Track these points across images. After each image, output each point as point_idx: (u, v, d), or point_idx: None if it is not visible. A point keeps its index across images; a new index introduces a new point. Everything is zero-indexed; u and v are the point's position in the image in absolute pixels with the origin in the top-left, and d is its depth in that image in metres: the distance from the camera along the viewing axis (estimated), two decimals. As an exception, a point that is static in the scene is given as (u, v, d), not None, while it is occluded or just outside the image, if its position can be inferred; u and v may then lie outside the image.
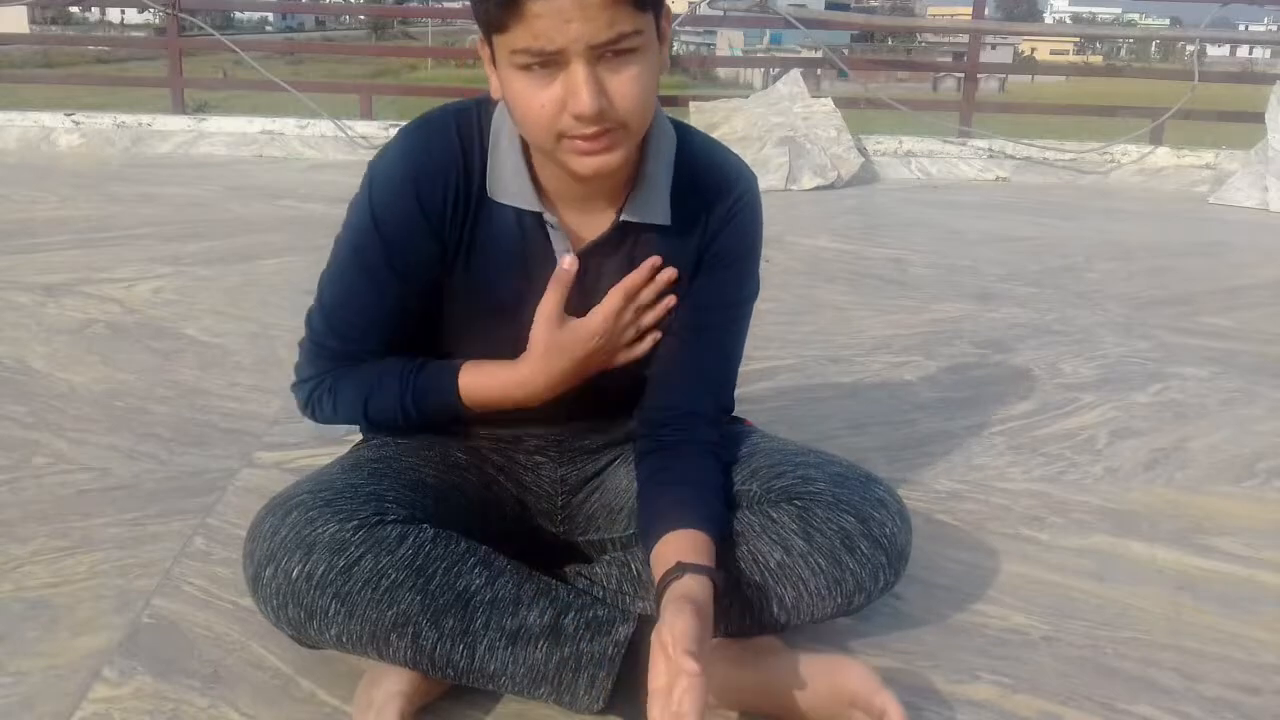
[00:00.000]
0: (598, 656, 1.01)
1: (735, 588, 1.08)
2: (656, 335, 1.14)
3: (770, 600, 1.08)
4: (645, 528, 1.10)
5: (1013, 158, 5.17)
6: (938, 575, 1.37)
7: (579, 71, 0.94)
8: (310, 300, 1.19)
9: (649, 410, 1.19)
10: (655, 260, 1.11)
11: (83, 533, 1.41)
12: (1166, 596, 1.35)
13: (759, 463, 1.18)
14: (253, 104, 6.94)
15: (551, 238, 1.11)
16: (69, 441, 1.71)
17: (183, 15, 5.29)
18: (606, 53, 0.94)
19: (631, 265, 1.13)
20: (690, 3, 5.96)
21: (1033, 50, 39.44)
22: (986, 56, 11.75)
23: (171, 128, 5.10)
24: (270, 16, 44.63)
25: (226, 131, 5.10)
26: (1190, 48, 5.79)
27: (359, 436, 1.32)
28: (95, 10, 32.69)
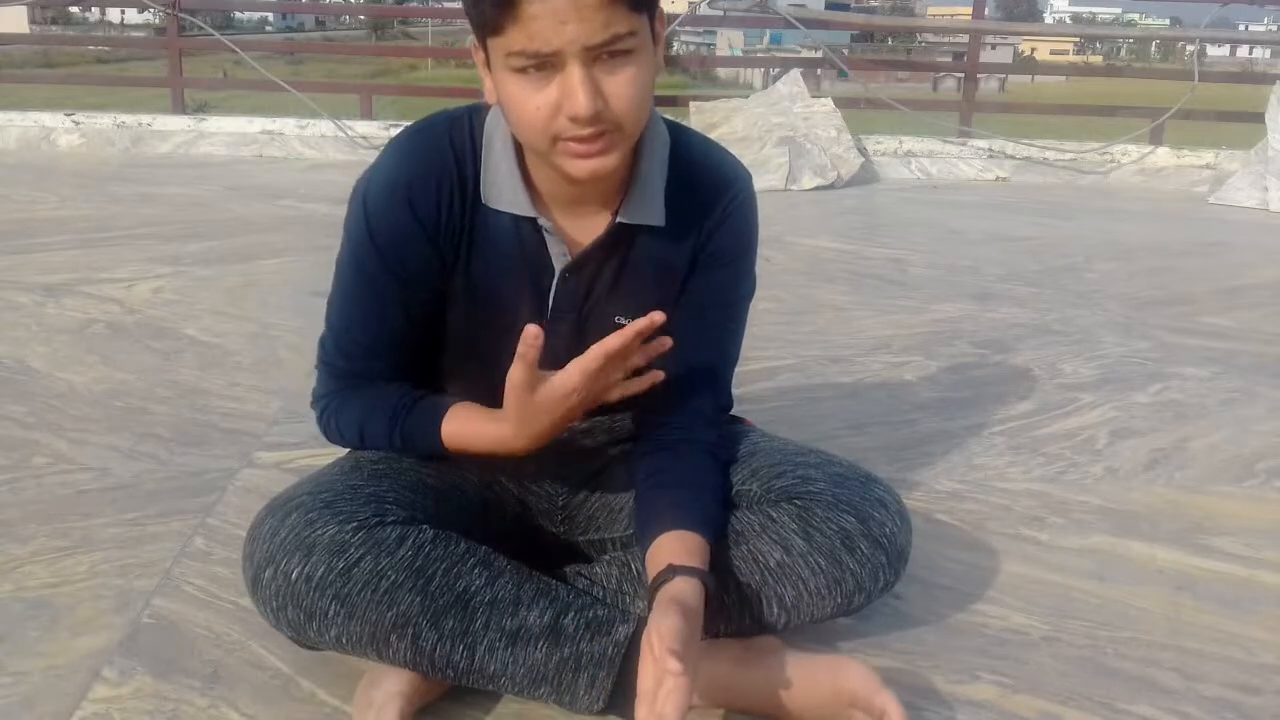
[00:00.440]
0: (597, 656, 1.01)
1: (735, 587, 1.09)
2: (656, 376, 1.08)
3: (770, 599, 1.08)
4: (640, 530, 1.10)
5: (1013, 158, 5.17)
6: (938, 575, 1.37)
7: (575, 73, 0.93)
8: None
9: (647, 409, 1.19)
10: (644, 324, 1.00)
11: (83, 533, 1.41)
12: (1166, 596, 1.35)
13: (759, 463, 1.18)
14: (253, 104, 6.96)
15: (547, 242, 1.11)
16: (69, 441, 1.71)
17: (183, 15, 5.29)
18: (602, 54, 0.94)
19: (626, 268, 1.13)
20: (690, 3, 5.97)
21: (1033, 50, 39.44)
22: (986, 56, 11.75)
23: (171, 128, 5.10)
24: (270, 16, 44.62)
25: (226, 131, 5.10)
26: (1190, 48, 5.79)
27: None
28: (95, 10, 32.68)
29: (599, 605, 1.05)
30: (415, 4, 16.09)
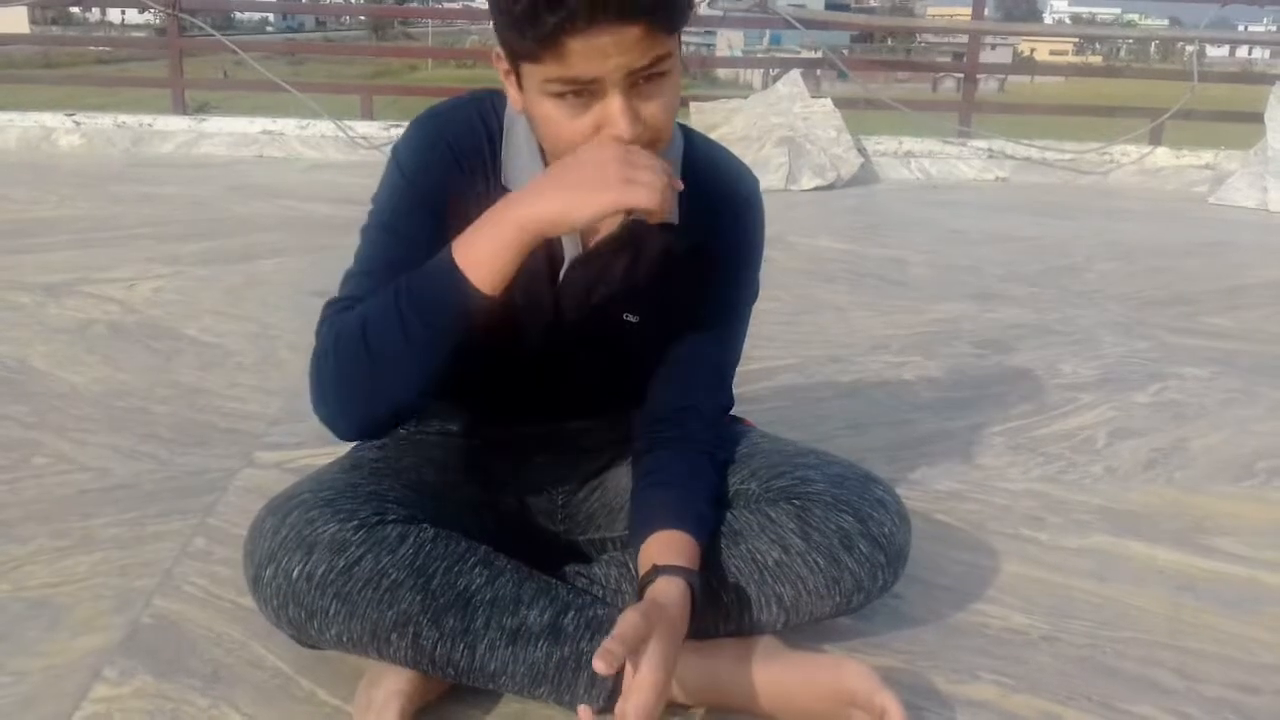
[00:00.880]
0: (597, 656, 1.01)
1: (734, 586, 1.09)
2: None
3: (769, 599, 1.08)
4: (633, 529, 1.10)
5: (1012, 158, 5.17)
6: (938, 575, 1.37)
7: (615, 101, 0.93)
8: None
9: (647, 407, 1.19)
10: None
11: (83, 533, 1.41)
12: (1166, 596, 1.35)
13: (758, 463, 1.18)
14: (253, 104, 6.95)
15: None
16: (69, 441, 1.71)
17: (183, 15, 5.29)
18: (640, 79, 0.93)
19: (636, 264, 1.13)
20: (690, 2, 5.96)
21: (1032, 51, 39.45)
22: (986, 57, 11.75)
23: (172, 128, 5.10)
24: (271, 17, 44.64)
25: (227, 132, 5.10)
26: (1189, 48, 5.79)
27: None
28: (95, 10, 32.71)
29: (599, 605, 1.06)
30: (415, 4, 16.09)
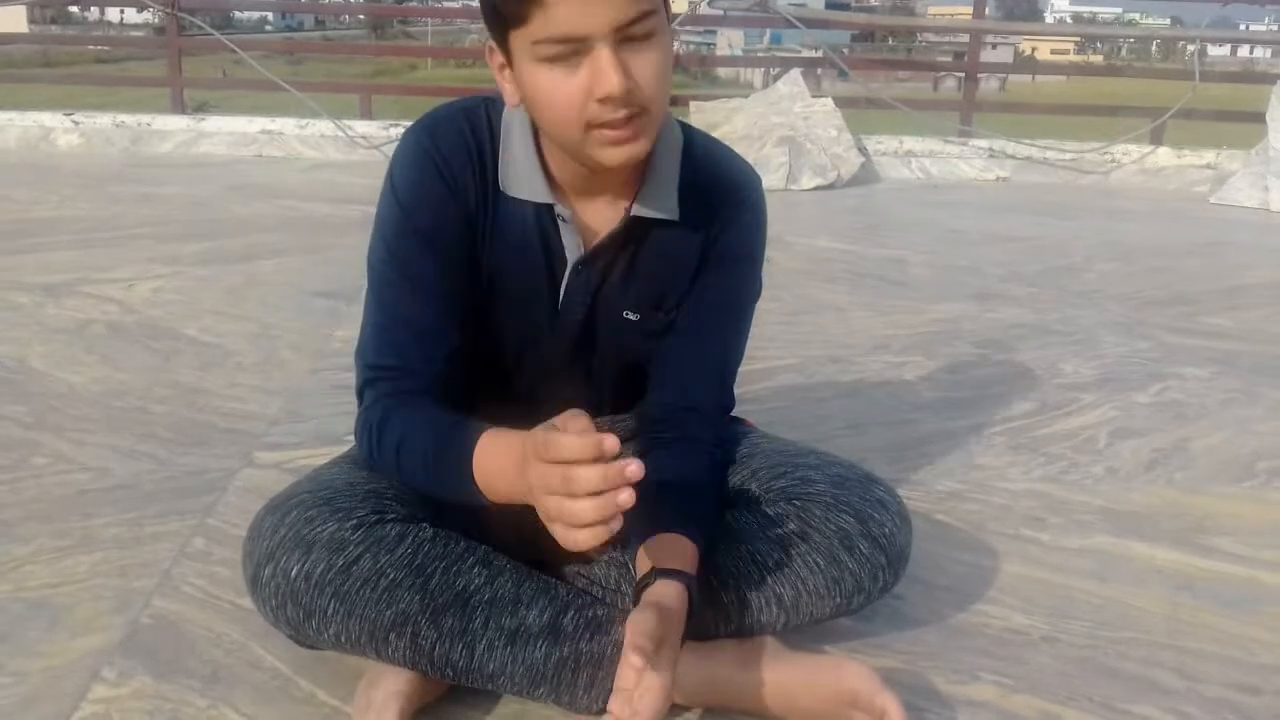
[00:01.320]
0: (596, 656, 1.01)
1: (734, 586, 1.09)
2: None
3: (769, 599, 1.08)
4: (632, 531, 1.10)
5: (1013, 158, 5.17)
6: (938, 575, 1.37)
7: (604, 54, 0.93)
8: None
9: (648, 407, 1.19)
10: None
11: (83, 533, 1.41)
12: (1167, 597, 1.35)
13: (759, 463, 1.18)
14: (252, 104, 6.94)
15: (562, 232, 1.10)
16: (69, 441, 1.71)
17: (182, 15, 5.29)
18: (627, 36, 0.94)
19: (637, 262, 1.13)
20: (690, 3, 5.96)
21: (1033, 50, 39.41)
22: (987, 56, 11.76)
23: (171, 128, 5.10)
24: (270, 16, 44.63)
25: (226, 131, 5.10)
26: (1191, 47, 5.79)
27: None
28: (95, 10, 32.70)
29: (598, 605, 1.05)
30: (415, 4, 16.08)
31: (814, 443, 1.32)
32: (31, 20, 26.24)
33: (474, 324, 1.13)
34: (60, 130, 5.08)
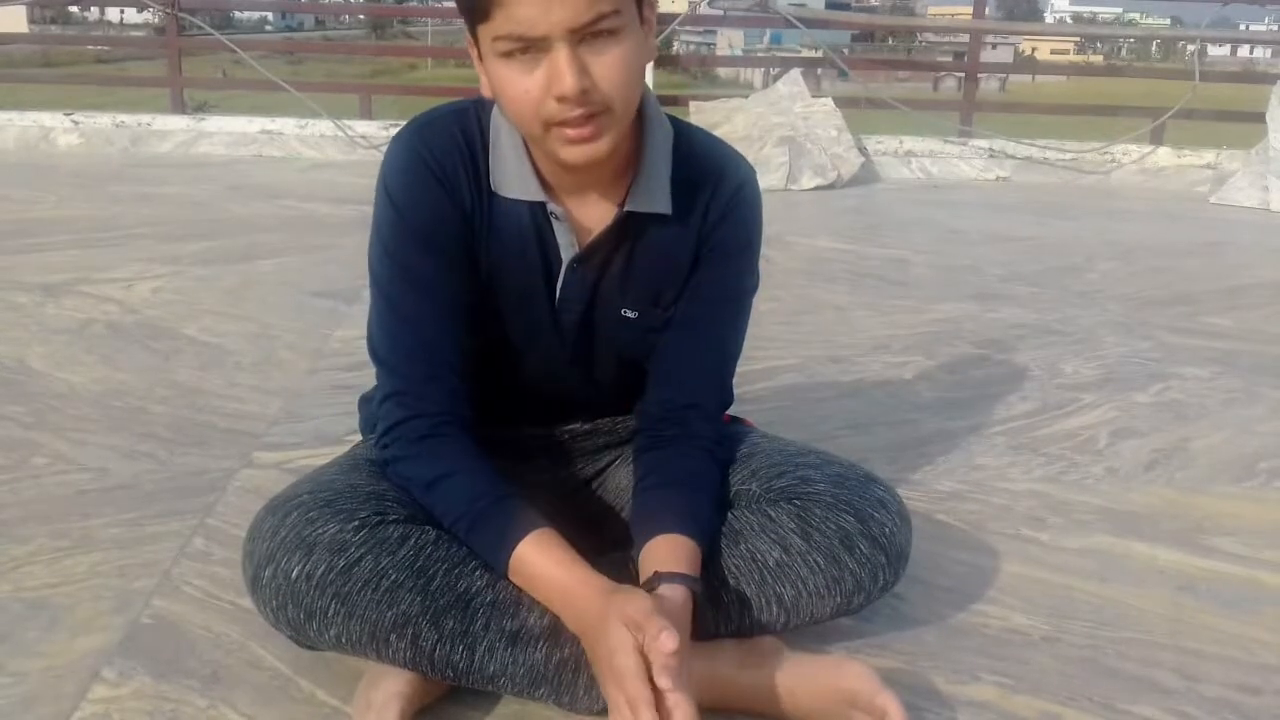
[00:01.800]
0: (597, 657, 1.01)
1: (734, 586, 1.08)
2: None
3: (769, 599, 1.08)
4: (635, 530, 1.10)
5: (1013, 157, 5.16)
6: (938, 575, 1.37)
7: (561, 54, 0.94)
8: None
9: (648, 404, 1.19)
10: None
11: (82, 533, 1.41)
12: (1167, 596, 1.34)
13: (759, 463, 1.18)
14: (252, 104, 6.94)
15: (556, 231, 1.10)
16: (69, 441, 1.71)
17: (182, 15, 5.29)
18: (588, 35, 0.94)
19: (633, 259, 1.13)
20: (690, 2, 5.96)
21: (1033, 50, 39.40)
22: (987, 56, 11.75)
23: (171, 127, 5.10)
24: (270, 16, 44.63)
25: (226, 131, 5.10)
26: (1191, 47, 5.79)
27: (359, 436, 1.32)
28: (94, 10, 32.69)
29: (599, 606, 1.05)
30: (415, 4, 16.09)
31: (814, 443, 1.31)
32: (31, 20, 26.25)
33: (475, 322, 1.13)
34: (60, 130, 5.07)
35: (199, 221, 3.48)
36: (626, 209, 1.10)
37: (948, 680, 1.15)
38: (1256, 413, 2.03)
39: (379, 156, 1.22)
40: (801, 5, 6.38)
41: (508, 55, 0.96)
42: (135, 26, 35.31)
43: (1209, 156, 5.13)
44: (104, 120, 5.09)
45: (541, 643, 1.01)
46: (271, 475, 1.59)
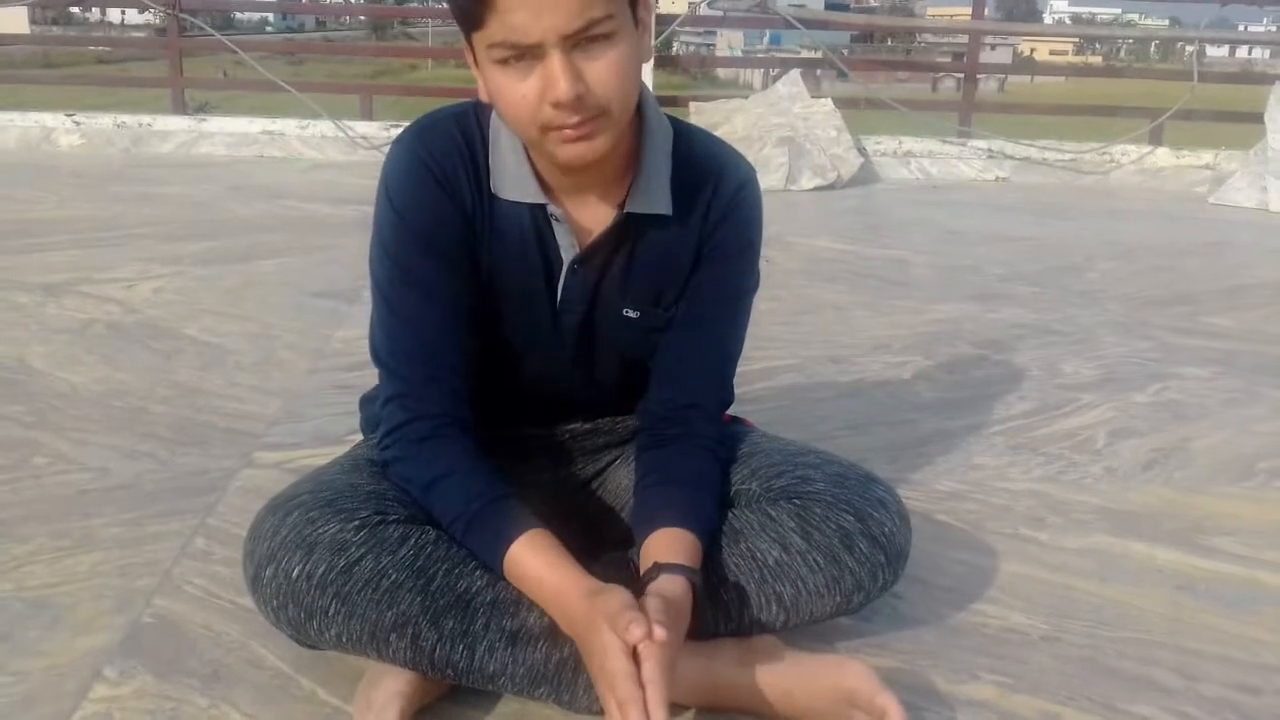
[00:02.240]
0: (597, 657, 1.01)
1: (734, 585, 1.09)
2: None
3: (769, 598, 1.08)
4: (636, 526, 1.10)
5: (1012, 158, 5.17)
6: (938, 575, 1.37)
7: (555, 60, 0.94)
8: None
9: (649, 404, 1.19)
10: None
11: (83, 532, 1.41)
12: (1166, 596, 1.35)
13: (758, 462, 1.18)
14: (253, 104, 6.95)
15: (556, 232, 1.11)
16: (69, 441, 1.71)
17: (183, 15, 5.29)
18: (581, 40, 0.94)
19: (634, 260, 1.13)
20: (690, 3, 5.96)
21: (1032, 51, 39.42)
22: (986, 57, 11.75)
23: (172, 128, 5.10)
24: (270, 17, 44.63)
25: (227, 132, 5.10)
26: (1189, 48, 5.79)
27: (359, 436, 1.32)
28: (95, 10, 32.69)
29: (599, 605, 1.05)
30: (415, 4, 16.09)
31: (814, 443, 1.32)
32: (33, 21, 26.26)
33: (476, 324, 1.13)
34: (61, 130, 5.08)
35: (200, 222, 3.48)
36: (627, 210, 1.10)
37: (947, 680, 1.15)
38: (1256, 413, 2.03)
39: (380, 157, 1.22)
40: (801, 6, 6.38)
41: (503, 62, 0.96)
42: (136, 27, 35.31)
43: (1208, 157, 5.13)
44: (105, 121, 5.09)
45: (541, 642, 1.01)
46: (272, 475, 1.59)
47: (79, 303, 2.48)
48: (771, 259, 3.10)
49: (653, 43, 1.02)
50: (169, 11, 5.24)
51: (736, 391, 1.26)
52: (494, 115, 1.09)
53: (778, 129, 4.77)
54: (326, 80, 8.65)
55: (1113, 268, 3.26)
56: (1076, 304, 2.81)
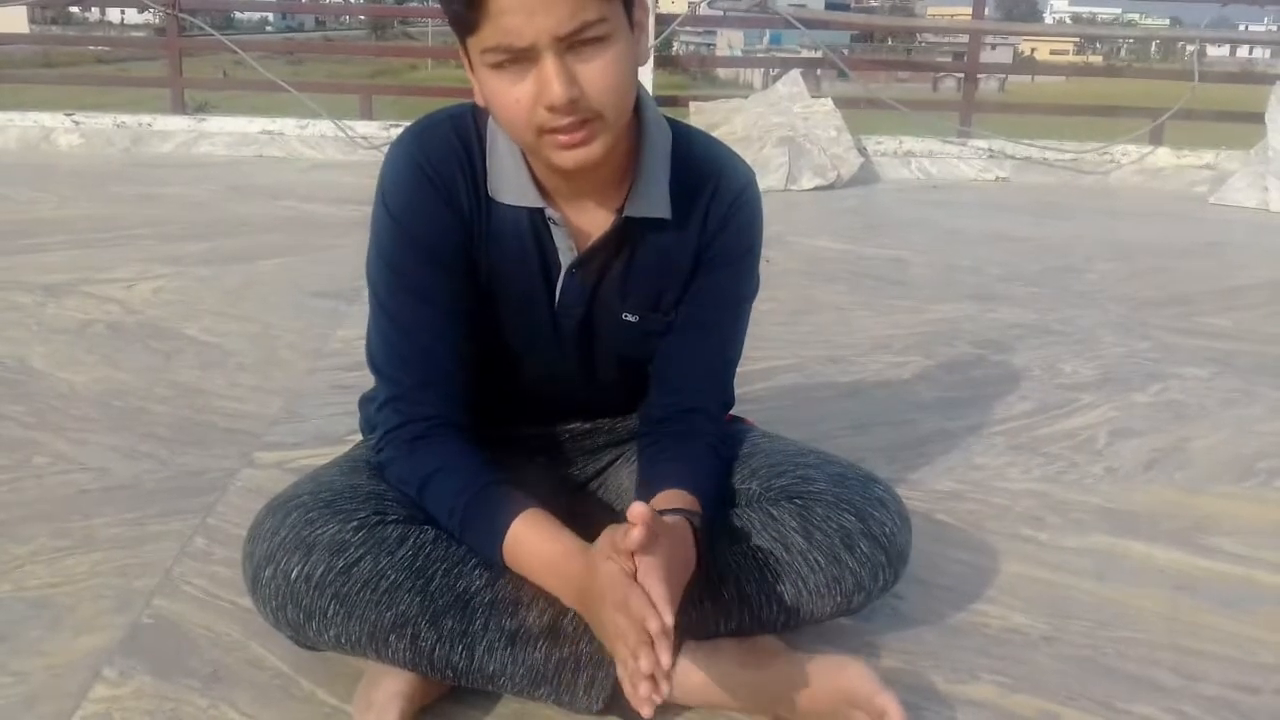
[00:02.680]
0: (596, 657, 1.01)
1: (734, 584, 1.09)
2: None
3: (769, 598, 1.08)
4: (638, 499, 1.10)
5: (1013, 158, 5.16)
6: (938, 575, 1.37)
7: (548, 64, 0.94)
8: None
9: (651, 407, 1.19)
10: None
11: (83, 533, 1.41)
12: (1166, 596, 1.35)
13: (759, 462, 1.18)
14: (253, 104, 6.94)
15: (554, 236, 1.11)
16: (69, 441, 1.71)
17: (183, 15, 5.29)
18: (575, 43, 0.94)
19: (633, 264, 1.13)
20: (690, 2, 5.96)
21: (1032, 50, 39.38)
22: (986, 56, 11.75)
23: (172, 128, 5.10)
24: (270, 16, 44.62)
25: (227, 131, 5.10)
26: (1190, 48, 5.79)
27: (359, 436, 1.32)
28: (95, 10, 32.68)
29: (599, 605, 1.05)
30: (415, 4, 16.08)
31: (814, 443, 1.32)
32: (32, 20, 26.26)
33: (475, 327, 1.13)
34: (61, 130, 5.07)
35: (200, 222, 3.48)
36: (625, 214, 1.10)
37: (947, 680, 1.15)
38: (1255, 413, 2.03)
39: (380, 157, 1.22)
40: (801, 6, 6.38)
41: (497, 66, 0.96)
42: (136, 27, 35.31)
43: (1208, 157, 5.13)
44: (105, 121, 5.09)
45: (541, 642, 1.01)
46: (272, 475, 1.59)
47: (79, 303, 2.48)
48: (771, 259, 3.10)
49: (651, 44, 1.02)
50: (169, 11, 5.24)
51: (737, 391, 1.26)
52: (491, 119, 1.09)
53: (778, 129, 4.77)
54: (326, 80, 8.65)
55: (1113, 268, 3.26)
56: (1076, 304, 2.81)
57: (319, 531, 1.01)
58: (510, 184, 1.08)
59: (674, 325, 1.17)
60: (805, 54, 6.97)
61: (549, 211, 1.09)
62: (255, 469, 1.63)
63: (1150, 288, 3.02)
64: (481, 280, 1.12)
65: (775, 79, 5.28)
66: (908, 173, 5.09)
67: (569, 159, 0.99)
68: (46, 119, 5.09)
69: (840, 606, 1.11)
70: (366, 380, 1.20)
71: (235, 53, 5.59)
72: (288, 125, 5.11)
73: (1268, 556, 1.46)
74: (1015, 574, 1.39)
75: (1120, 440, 1.87)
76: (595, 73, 0.96)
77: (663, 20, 5.17)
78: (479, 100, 1.04)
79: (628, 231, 1.11)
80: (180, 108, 5.33)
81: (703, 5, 5.72)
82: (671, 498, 1.06)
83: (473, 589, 1.02)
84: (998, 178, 5.13)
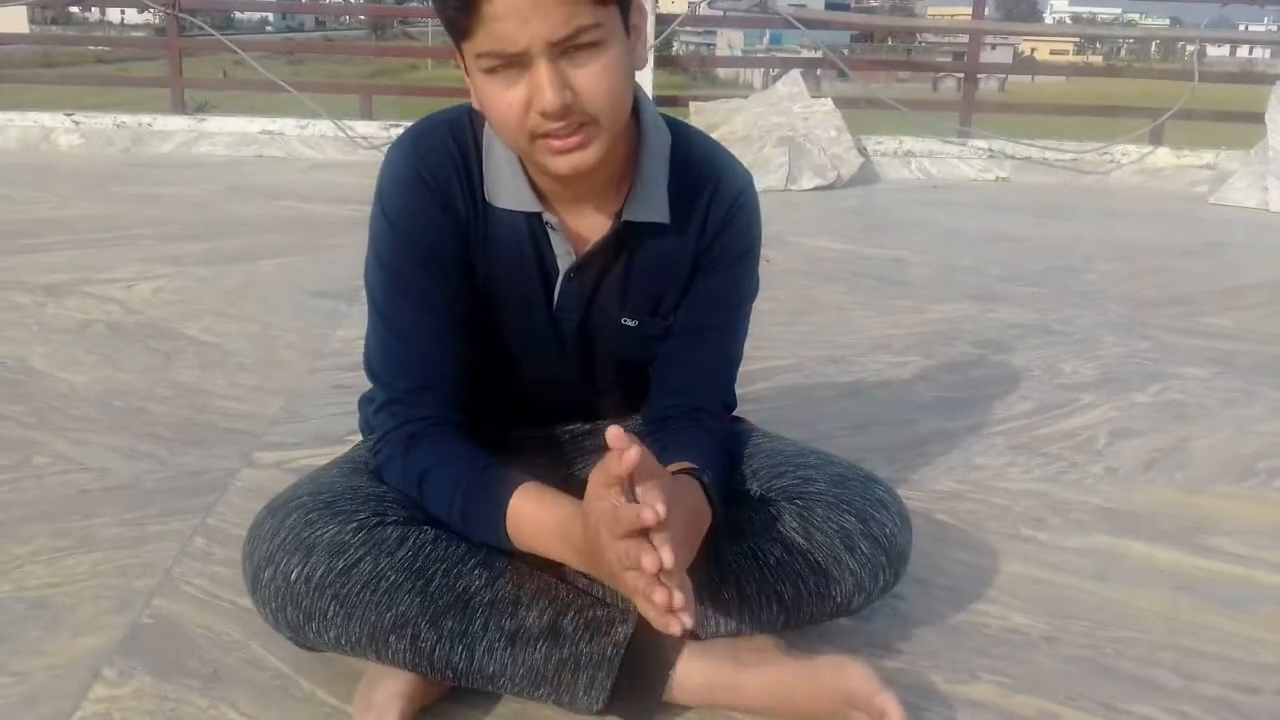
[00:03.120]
0: (596, 657, 1.01)
1: (734, 584, 1.09)
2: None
3: (769, 598, 1.08)
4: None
5: (1013, 158, 5.17)
6: (938, 575, 1.37)
7: (541, 69, 0.94)
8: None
9: (653, 409, 1.19)
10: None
11: (83, 533, 1.41)
12: (1166, 596, 1.35)
13: (759, 463, 1.18)
14: (253, 104, 6.94)
15: (552, 240, 1.10)
16: (69, 441, 1.71)
17: (183, 15, 5.29)
18: (569, 48, 0.94)
19: (632, 268, 1.13)
20: (690, 2, 5.96)
21: (1032, 50, 39.39)
22: (986, 56, 11.75)
23: (172, 128, 5.10)
24: (270, 16, 44.63)
25: (227, 131, 5.10)
26: (1190, 48, 5.79)
27: (359, 436, 1.32)
28: (95, 10, 32.69)
29: (599, 605, 1.05)
30: (415, 4, 16.07)
31: (814, 443, 1.32)
32: (32, 20, 26.26)
33: (473, 331, 1.13)
34: (61, 130, 5.08)
35: (200, 222, 3.48)
36: (624, 219, 1.10)
37: (947, 680, 1.15)
38: (1255, 413, 2.03)
39: (379, 157, 1.23)
40: (801, 6, 6.38)
41: (491, 71, 0.96)
42: (136, 27, 35.32)
43: (1208, 157, 5.13)
44: (105, 121, 5.09)
45: (541, 642, 1.01)
46: (272, 475, 1.59)
47: (79, 303, 2.48)
48: (771, 259, 3.10)
49: (649, 48, 1.01)
50: (169, 11, 5.24)
51: (737, 391, 1.26)
52: (488, 123, 1.09)
53: (778, 129, 4.77)
54: (326, 80, 8.65)
55: (1113, 268, 3.26)
56: (1076, 304, 2.81)
57: (319, 533, 1.01)
58: (507, 188, 1.08)
59: (674, 328, 1.17)
60: (805, 54, 6.97)
61: (546, 216, 1.09)
62: (255, 469, 1.63)
63: (1150, 288, 3.02)
64: (479, 284, 1.12)
65: (775, 79, 5.28)
66: (908, 173, 5.09)
67: (563, 164, 0.99)
68: (46, 119, 5.09)
69: (840, 607, 1.11)
70: (366, 381, 1.20)
71: (235, 53, 5.59)
72: (288, 125, 5.11)
73: (1268, 556, 1.46)
74: (1015, 574, 1.39)
75: (1120, 440, 1.87)
76: (590, 78, 0.95)
77: (663, 20, 5.17)
78: (474, 103, 1.04)
79: (626, 236, 1.11)
80: (180, 108, 5.33)
81: (703, 5, 5.72)
82: (679, 467, 1.05)
83: (472, 589, 1.01)
84: (998, 178, 5.13)
